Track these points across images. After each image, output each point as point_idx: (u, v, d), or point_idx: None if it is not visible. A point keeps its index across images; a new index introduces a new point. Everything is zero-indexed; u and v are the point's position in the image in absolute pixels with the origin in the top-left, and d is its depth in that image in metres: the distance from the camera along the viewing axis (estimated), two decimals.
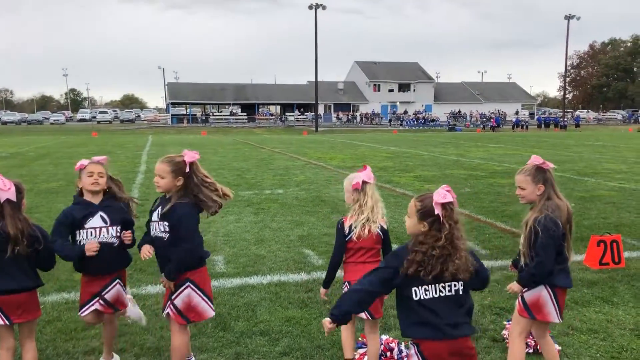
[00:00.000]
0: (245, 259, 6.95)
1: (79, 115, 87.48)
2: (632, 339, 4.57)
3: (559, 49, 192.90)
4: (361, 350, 4.21)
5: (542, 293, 3.66)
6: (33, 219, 3.81)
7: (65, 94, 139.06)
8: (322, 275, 6.27)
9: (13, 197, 3.53)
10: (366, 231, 3.75)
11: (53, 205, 10.64)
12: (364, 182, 3.80)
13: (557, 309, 3.67)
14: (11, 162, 20.14)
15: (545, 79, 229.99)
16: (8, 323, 3.58)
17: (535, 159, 3.73)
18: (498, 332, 4.71)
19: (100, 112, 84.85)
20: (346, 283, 3.89)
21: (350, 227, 3.81)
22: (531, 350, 4.29)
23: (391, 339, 4.35)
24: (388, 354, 4.17)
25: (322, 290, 4.09)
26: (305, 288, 5.89)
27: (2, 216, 3.52)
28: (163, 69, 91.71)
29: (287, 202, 11.15)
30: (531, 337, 4.35)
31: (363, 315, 3.79)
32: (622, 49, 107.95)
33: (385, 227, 3.87)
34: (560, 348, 4.36)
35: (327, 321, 2.83)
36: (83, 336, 4.70)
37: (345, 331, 3.95)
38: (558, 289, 3.68)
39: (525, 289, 3.69)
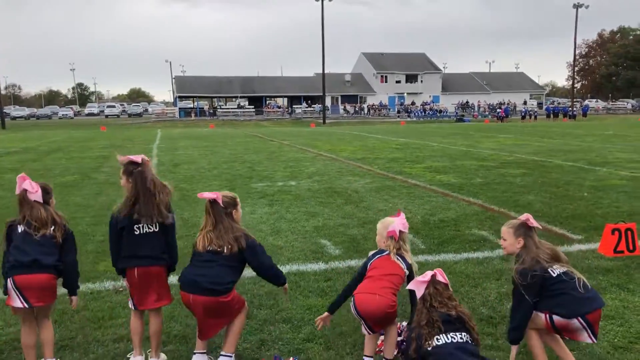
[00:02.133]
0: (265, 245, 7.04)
1: (87, 110, 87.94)
2: None
3: (567, 38, 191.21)
4: (383, 337, 4.29)
5: (571, 322, 3.59)
6: None
7: (73, 88, 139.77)
8: (340, 264, 6.43)
9: (39, 199, 3.90)
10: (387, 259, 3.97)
11: (70, 199, 10.79)
12: (401, 232, 3.98)
13: (590, 332, 3.61)
14: (25, 157, 20.35)
15: (553, 69, 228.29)
16: (27, 306, 3.78)
17: (525, 217, 3.86)
18: None
19: (108, 107, 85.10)
20: (352, 297, 3.95)
21: (375, 253, 4.08)
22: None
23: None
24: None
25: (326, 314, 4.21)
26: (324, 277, 5.99)
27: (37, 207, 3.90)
28: (170, 62, 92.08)
29: (300, 193, 11.24)
30: None
31: (365, 332, 3.95)
32: (631, 37, 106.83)
33: (410, 263, 3.98)
34: None
35: None
36: (111, 324, 4.82)
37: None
38: (588, 315, 3.59)
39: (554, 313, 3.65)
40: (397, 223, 4.02)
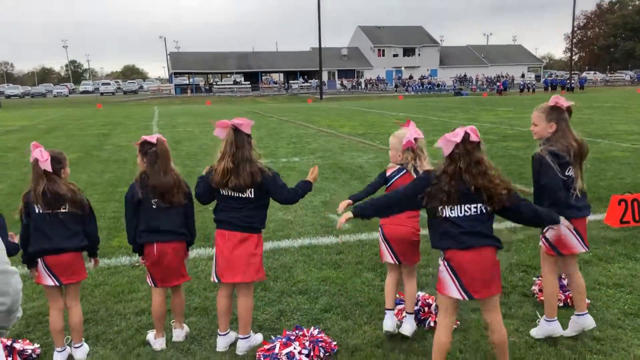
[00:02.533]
0: (274, 224, 7.14)
1: (81, 87, 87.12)
2: None
3: (565, 9, 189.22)
4: (400, 306, 4.40)
5: (562, 229, 3.77)
6: None
7: (66, 66, 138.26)
8: (350, 238, 6.55)
9: (49, 168, 3.76)
10: (407, 178, 3.90)
11: (75, 176, 10.81)
12: (416, 139, 3.92)
13: (580, 240, 3.85)
14: (25, 135, 20.29)
15: (550, 41, 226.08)
16: (58, 284, 3.83)
17: (555, 98, 3.80)
18: (527, 288, 4.91)
19: (103, 84, 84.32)
20: (380, 228, 4.09)
21: (392, 173, 4.03)
22: (561, 304, 4.49)
23: (428, 295, 4.55)
24: (426, 309, 4.38)
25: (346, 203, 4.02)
26: (336, 250, 6.09)
27: (51, 180, 3.79)
28: (165, 38, 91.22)
29: (304, 169, 11.30)
30: (561, 292, 4.55)
31: (391, 260, 4.01)
32: (630, 7, 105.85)
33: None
34: (589, 302, 4.55)
35: (346, 215, 3.46)
36: (131, 298, 4.93)
37: (390, 283, 4.17)
38: (574, 220, 3.80)
39: (546, 229, 3.83)
40: (411, 132, 3.95)
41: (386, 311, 4.15)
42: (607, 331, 4.08)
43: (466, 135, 3.11)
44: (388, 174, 4.07)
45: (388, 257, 4.05)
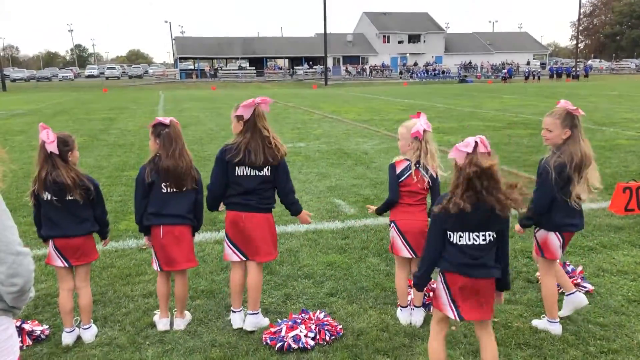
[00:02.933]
0: (279, 208, 7.05)
1: (87, 72, 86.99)
2: None
3: None
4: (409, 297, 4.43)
5: (549, 235, 3.84)
6: None
7: (71, 50, 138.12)
8: (356, 223, 6.60)
9: (55, 150, 3.72)
10: (414, 177, 3.95)
11: (82, 160, 10.86)
12: (425, 131, 3.96)
13: (561, 250, 3.89)
14: (31, 119, 20.31)
15: (556, 28, 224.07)
16: (67, 265, 3.87)
17: (565, 104, 3.80)
18: (532, 274, 4.95)
19: (109, 68, 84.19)
20: (392, 223, 4.11)
21: (402, 170, 4.01)
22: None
23: (433, 280, 4.58)
24: (430, 294, 4.41)
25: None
26: (341, 235, 6.13)
27: (56, 166, 3.74)
28: (170, 23, 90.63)
29: (310, 155, 11.32)
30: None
31: (408, 254, 4.06)
32: None
33: (435, 175, 3.99)
34: (593, 288, 4.58)
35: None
36: (139, 280, 4.98)
37: (401, 280, 4.20)
38: (567, 235, 3.87)
39: (537, 230, 3.89)
40: (421, 123, 3.99)
41: (400, 308, 4.20)
42: (610, 317, 4.11)
43: (477, 145, 2.95)
44: (398, 170, 4.07)
45: (404, 252, 4.06)
